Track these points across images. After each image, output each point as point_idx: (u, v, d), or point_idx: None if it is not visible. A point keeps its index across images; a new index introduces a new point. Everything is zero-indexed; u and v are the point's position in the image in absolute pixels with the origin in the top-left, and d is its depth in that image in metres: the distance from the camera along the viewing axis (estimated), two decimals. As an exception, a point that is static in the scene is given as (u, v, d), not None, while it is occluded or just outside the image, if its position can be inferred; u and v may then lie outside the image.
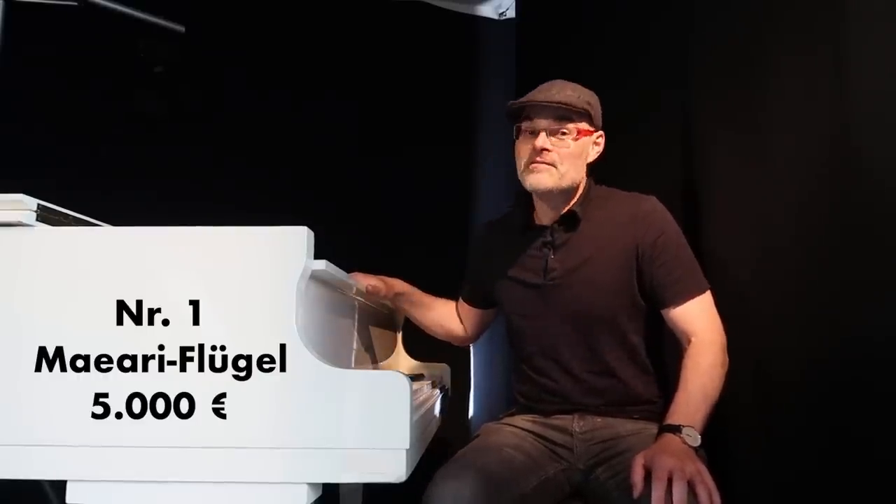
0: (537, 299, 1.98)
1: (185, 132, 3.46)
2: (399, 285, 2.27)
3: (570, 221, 1.96)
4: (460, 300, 2.33)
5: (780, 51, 1.84)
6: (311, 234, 1.48)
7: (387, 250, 3.66)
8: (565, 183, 1.92)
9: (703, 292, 1.86)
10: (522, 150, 1.93)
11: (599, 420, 1.91)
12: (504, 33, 4.02)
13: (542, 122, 1.90)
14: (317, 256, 1.49)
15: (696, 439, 1.63)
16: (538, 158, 1.89)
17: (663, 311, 1.88)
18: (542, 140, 1.88)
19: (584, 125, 1.92)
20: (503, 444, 1.87)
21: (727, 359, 1.79)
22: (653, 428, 1.77)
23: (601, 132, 1.97)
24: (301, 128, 3.65)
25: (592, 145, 1.96)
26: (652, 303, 1.90)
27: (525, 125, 1.92)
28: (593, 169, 2.01)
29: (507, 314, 2.09)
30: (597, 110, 1.95)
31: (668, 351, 1.95)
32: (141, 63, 3.34)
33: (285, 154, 3.59)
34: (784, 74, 1.83)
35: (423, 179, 3.77)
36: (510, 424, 1.99)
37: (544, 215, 1.99)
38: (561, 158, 1.90)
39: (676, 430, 1.63)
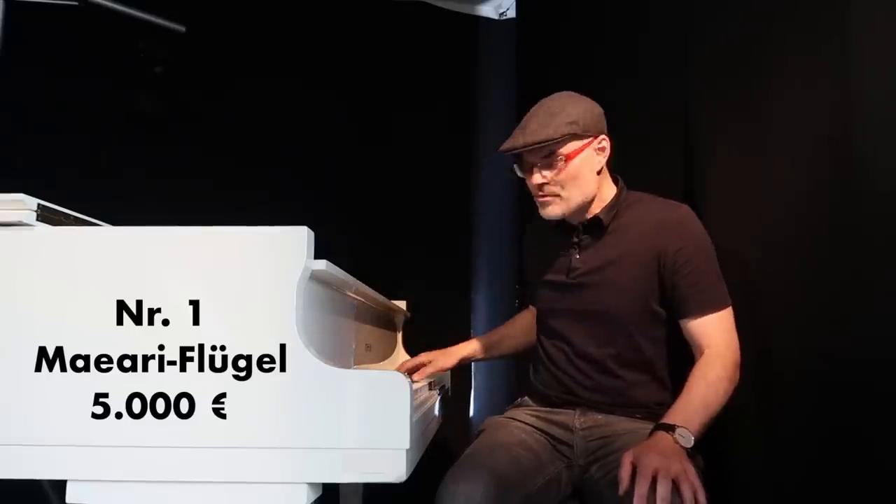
0: (560, 296, 2.02)
1: (185, 132, 3.47)
2: (462, 350, 2.34)
3: (595, 226, 1.98)
4: (529, 307, 2.36)
5: (783, 48, 1.84)
6: (312, 234, 1.48)
7: (387, 249, 3.66)
8: (575, 204, 1.94)
9: (724, 308, 1.85)
10: (528, 184, 1.97)
11: (601, 417, 1.93)
12: (504, 33, 4.03)
13: (530, 159, 1.92)
14: (317, 256, 1.49)
15: (688, 440, 1.63)
16: (539, 193, 1.94)
17: (680, 322, 1.88)
18: (536, 178, 1.92)
19: (572, 146, 1.90)
20: (512, 442, 1.89)
21: (737, 376, 1.78)
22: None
23: (602, 136, 1.94)
24: (302, 127, 3.65)
25: (595, 153, 1.94)
26: (671, 312, 1.91)
27: (522, 164, 1.96)
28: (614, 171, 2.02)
29: (538, 312, 2.15)
30: (586, 120, 1.91)
31: (687, 364, 1.93)
32: (141, 63, 3.34)
33: (286, 153, 3.60)
34: (786, 71, 1.82)
35: (424, 178, 3.78)
36: (514, 419, 2.02)
37: (572, 220, 2.01)
38: (561, 185, 1.92)
39: (670, 429, 1.64)
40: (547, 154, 1.90)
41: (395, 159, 3.78)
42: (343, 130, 3.74)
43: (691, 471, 1.52)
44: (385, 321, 2.63)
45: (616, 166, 2.02)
